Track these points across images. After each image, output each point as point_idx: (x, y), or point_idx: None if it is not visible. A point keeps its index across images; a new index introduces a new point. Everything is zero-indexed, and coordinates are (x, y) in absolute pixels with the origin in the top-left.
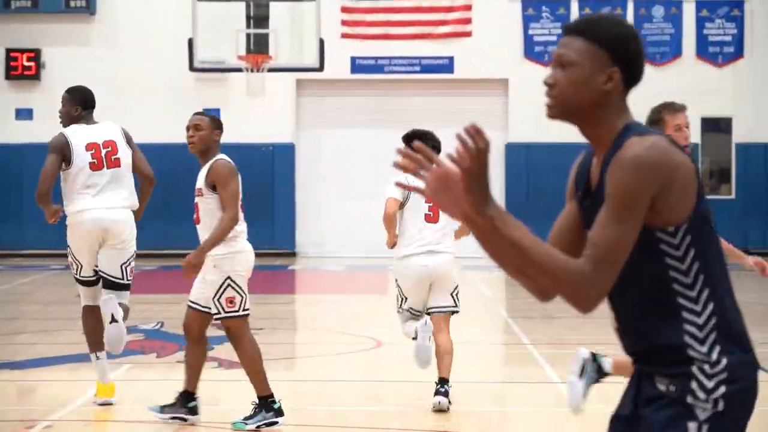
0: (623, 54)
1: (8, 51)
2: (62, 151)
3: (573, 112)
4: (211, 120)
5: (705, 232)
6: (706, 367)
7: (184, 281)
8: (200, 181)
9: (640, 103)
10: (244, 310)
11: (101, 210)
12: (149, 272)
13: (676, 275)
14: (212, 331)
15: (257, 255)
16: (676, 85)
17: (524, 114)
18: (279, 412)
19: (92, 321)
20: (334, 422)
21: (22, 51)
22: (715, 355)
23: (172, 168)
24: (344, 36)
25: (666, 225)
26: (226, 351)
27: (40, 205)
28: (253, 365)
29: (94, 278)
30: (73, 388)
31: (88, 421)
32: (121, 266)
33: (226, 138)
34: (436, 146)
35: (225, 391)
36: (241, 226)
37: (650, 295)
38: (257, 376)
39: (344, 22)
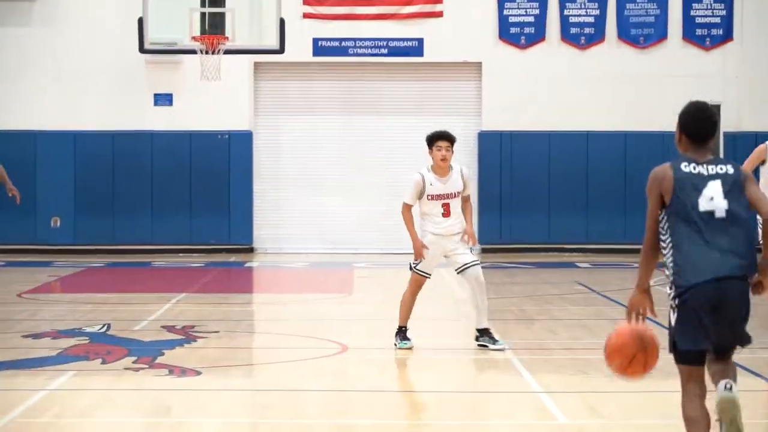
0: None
1: None
2: None
3: None
4: None
5: (673, 211)
6: (671, 279)
7: (134, 279)
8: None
9: (623, 86)
10: None
11: None
12: (96, 269)
13: (660, 232)
14: (163, 335)
15: (211, 251)
16: (661, 69)
17: (498, 99)
18: None
19: None
20: None
21: None
22: (671, 275)
23: (121, 157)
24: (306, 16)
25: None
26: (177, 357)
27: None
28: None
29: None
30: (7, 398)
31: None
32: None
33: (179, 124)
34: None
35: (176, 401)
36: None
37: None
38: None
39: (306, 1)
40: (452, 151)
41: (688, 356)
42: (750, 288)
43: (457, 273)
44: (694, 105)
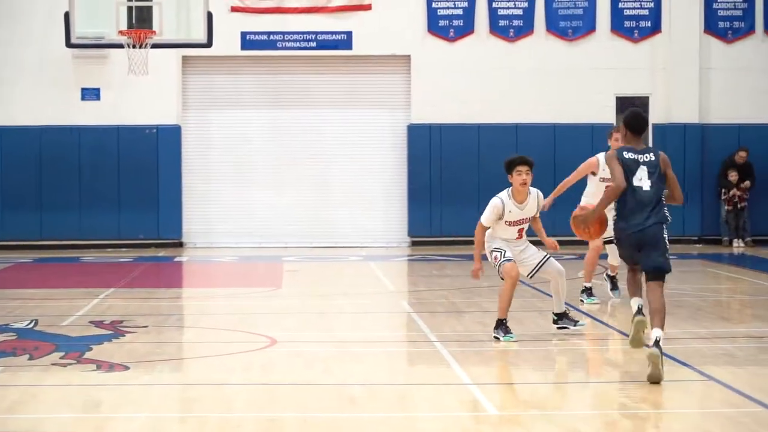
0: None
1: None
2: None
3: None
4: None
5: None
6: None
7: (62, 275)
8: None
9: (552, 79)
10: None
11: None
12: (24, 265)
13: None
14: (91, 330)
15: (140, 246)
16: (590, 62)
17: (427, 92)
18: None
19: None
20: (229, 430)
21: None
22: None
23: (49, 152)
24: (234, 9)
25: None
26: (105, 353)
27: None
28: None
29: None
30: None
31: None
32: None
33: (106, 120)
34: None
35: (105, 396)
36: None
37: None
38: None
39: None
40: (532, 175)
41: (626, 263)
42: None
43: (530, 277)
44: (634, 109)
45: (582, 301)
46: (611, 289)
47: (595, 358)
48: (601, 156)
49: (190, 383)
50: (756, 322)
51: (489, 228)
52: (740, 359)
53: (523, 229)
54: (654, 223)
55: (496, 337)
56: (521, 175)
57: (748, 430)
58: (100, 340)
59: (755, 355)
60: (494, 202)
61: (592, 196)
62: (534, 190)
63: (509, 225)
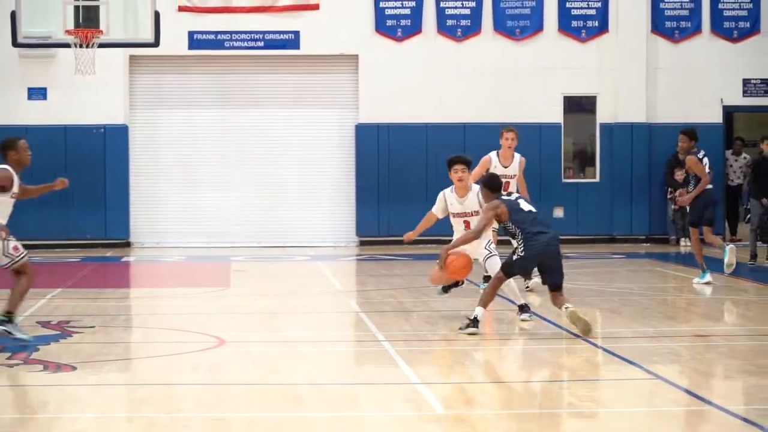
0: None
1: None
2: None
3: None
4: None
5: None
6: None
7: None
8: None
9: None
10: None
11: None
12: None
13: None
14: (38, 330)
15: (87, 246)
16: (538, 62)
17: (375, 92)
18: None
19: None
20: (177, 431)
21: None
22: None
23: None
24: (181, 9)
25: None
26: (52, 353)
27: None
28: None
29: None
30: None
31: None
32: None
33: (54, 119)
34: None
35: (51, 396)
36: None
37: None
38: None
39: None
40: (469, 173)
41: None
42: None
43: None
44: (490, 173)
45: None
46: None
47: (541, 357)
48: (493, 154)
49: (138, 383)
50: (702, 321)
51: (437, 216)
52: (686, 358)
53: (468, 222)
54: None
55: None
56: (457, 173)
57: (695, 428)
58: (47, 341)
59: (701, 354)
60: (439, 195)
61: None
62: (475, 187)
63: (454, 217)
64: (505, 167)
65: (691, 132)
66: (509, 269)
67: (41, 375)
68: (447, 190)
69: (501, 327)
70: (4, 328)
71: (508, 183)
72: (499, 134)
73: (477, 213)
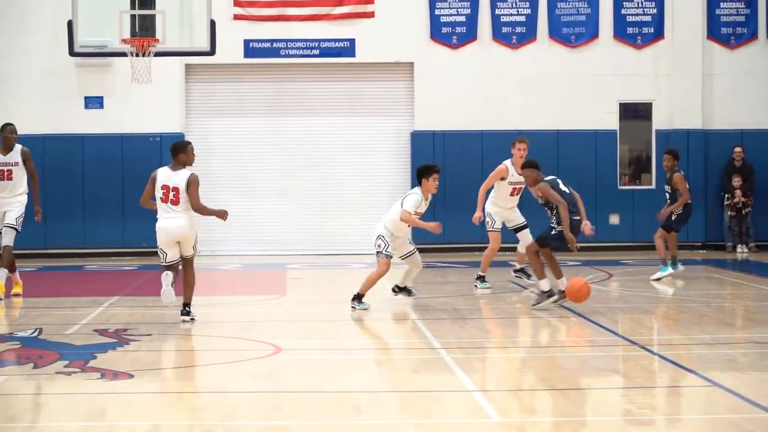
0: None
1: None
2: None
3: None
4: None
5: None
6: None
7: (66, 283)
8: None
9: (555, 85)
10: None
11: None
12: (28, 274)
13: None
14: (95, 338)
15: (144, 254)
16: (593, 68)
17: (431, 99)
18: None
19: None
20: None
21: None
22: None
23: (52, 161)
24: (237, 17)
25: None
26: (109, 361)
27: None
28: None
29: None
30: None
31: None
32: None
33: (110, 127)
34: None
35: (109, 404)
36: None
37: None
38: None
39: (237, 2)
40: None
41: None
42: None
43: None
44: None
45: (476, 286)
46: (529, 278)
47: (597, 364)
48: (508, 162)
49: (195, 391)
50: (759, 328)
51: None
52: (744, 365)
53: (517, 189)
54: None
55: (353, 308)
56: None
57: None
58: (104, 349)
59: (759, 361)
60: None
61: (498, 199)
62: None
63: (509, 184)
64: (519, 175)
65: (675, 152)
66: (543, 242)
67: (99, 383)
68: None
69: (558, 333)
70: None
71: (518, 190)
72: (511, 144)
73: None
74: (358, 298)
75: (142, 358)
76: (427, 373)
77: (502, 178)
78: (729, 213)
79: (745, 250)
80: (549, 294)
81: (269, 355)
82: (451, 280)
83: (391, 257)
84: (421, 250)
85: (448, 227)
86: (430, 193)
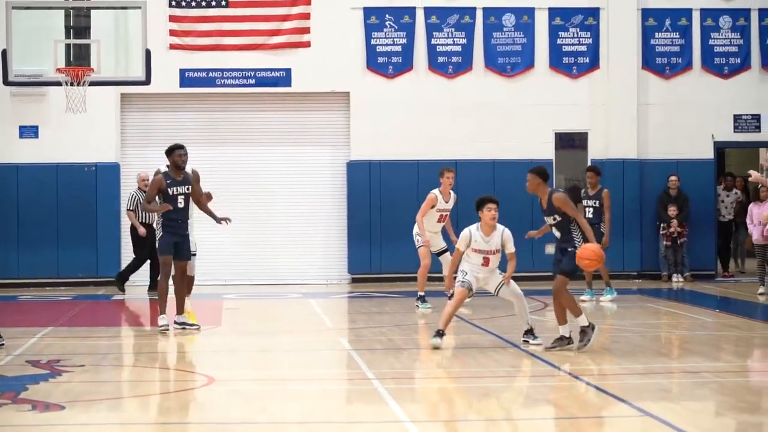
0: None
1: None
2: None
3: None
4: None
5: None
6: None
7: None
8: None
9: (491, 115)
10: None
11: None
12: None
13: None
14: (27, 369)
15: (79, 284)
16: (529, 98)
17: (367, 129)
18: None
19: None
20: None
21: None
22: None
23: None
24: (173, 47)
25: None
26: (41, 392)
27: None
28: None
29: None
30: None
31: None
32: None
33: (45, 157)
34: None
35: None
36: None
37: None
38: None
39: (173, 32)
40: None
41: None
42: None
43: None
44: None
45: (417, 306)
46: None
47: (531, 394)
48: (436, 191)
49: (127, 423)
50: (693, 358)
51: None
52: (677, 395)
53: (488, 259)
54: None
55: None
56: (491, 211)
57: None
58: (36, 380)
59: (691, 391)
60: (464, 232)
61: (425, 223)
62: (500, 226)
63: (474, 252)
64: (446, 202)
65: (598, 168)
66: (569, 272)
67: (29, 415)
68: (473, 227)
69: (492, 364)
70: None
71: (444, 216)
72: (439, 173)
73: (498, 251)
74: (438, 334)
75: (75, 389)
76: (360, 404)
77: (432, 206)
78: (664, 242)
79: (681, 279)
80: (583, 332)
81: (203, 386)
82: (386, 310)
83: (470, 288)
84: (355, 280)
85: (384, 256)
86: (491, 228)
